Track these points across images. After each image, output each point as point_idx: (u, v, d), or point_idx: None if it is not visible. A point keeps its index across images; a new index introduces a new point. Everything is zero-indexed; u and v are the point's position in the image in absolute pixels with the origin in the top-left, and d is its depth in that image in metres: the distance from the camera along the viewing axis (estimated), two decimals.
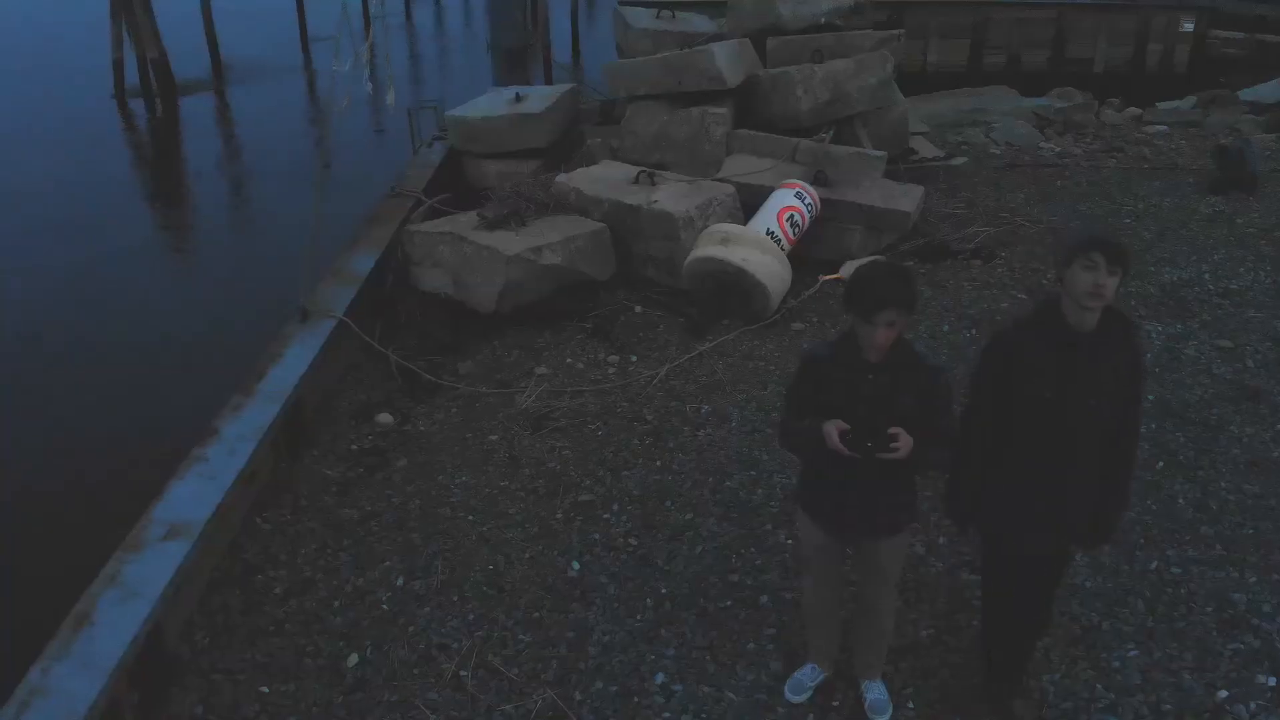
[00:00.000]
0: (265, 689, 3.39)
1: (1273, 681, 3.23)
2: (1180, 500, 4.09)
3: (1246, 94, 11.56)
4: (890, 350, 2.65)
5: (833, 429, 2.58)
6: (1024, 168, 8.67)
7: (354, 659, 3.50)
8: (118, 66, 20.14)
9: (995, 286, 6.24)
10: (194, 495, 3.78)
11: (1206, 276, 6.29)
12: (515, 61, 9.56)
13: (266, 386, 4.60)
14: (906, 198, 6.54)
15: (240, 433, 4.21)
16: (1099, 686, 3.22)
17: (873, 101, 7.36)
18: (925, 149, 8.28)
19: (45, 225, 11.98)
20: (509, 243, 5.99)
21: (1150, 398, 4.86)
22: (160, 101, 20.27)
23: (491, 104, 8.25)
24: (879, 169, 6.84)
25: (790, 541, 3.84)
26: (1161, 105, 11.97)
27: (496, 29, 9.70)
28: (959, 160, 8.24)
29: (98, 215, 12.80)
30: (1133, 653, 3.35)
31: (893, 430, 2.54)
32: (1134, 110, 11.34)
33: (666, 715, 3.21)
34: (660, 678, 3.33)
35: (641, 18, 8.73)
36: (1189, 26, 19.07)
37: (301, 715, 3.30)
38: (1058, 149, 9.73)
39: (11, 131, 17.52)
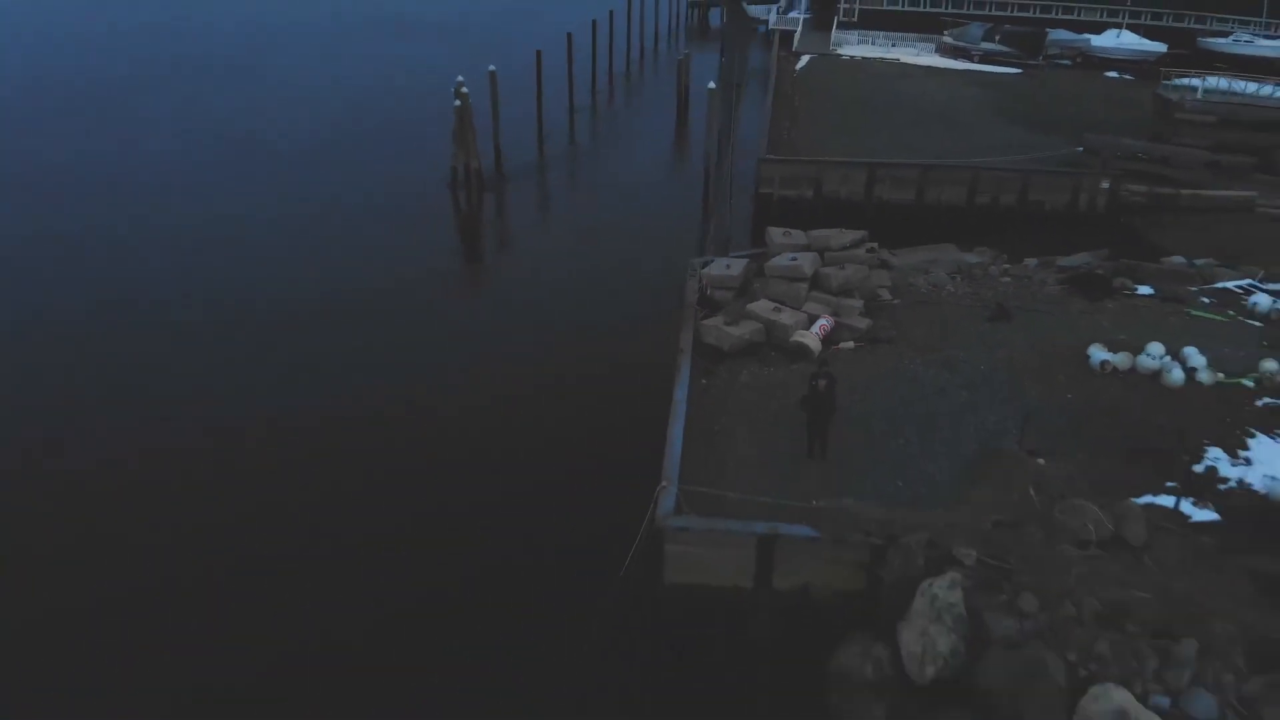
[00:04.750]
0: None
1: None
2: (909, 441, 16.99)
3: (1063, 261, 23.89)
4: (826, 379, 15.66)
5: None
6: (925, 303, 21.44)
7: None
8: (454, 171, 34.48)
9: (892, 357, 19.11)
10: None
11: (961, 355, 19.03)
12: (722, 238, 22.79)
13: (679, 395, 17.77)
14: (864, 322, 19.54)
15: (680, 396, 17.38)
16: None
17: (861, 283, 20.38)
18: (885, 295, 21.17)
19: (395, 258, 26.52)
20: (734, 329, 19.21)
21: (914, 400, 17.75)
22: (470, 194, 34.58)
23: (718, 267, 21.47)
24: (859, 310, 19.85)
25: None
26: (1026, 261, 24.38)
27: (713, 235, 22.98)
28: (897, 301, 21.10)
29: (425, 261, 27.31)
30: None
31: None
32: (1006, 265, 23.83)
33: None
34: None
35: (775, 235, 21.88)
36: (1106, 185, 31.10)
37: None
38: (954, 289, 22.44)
39: (377, 203, 32.32)
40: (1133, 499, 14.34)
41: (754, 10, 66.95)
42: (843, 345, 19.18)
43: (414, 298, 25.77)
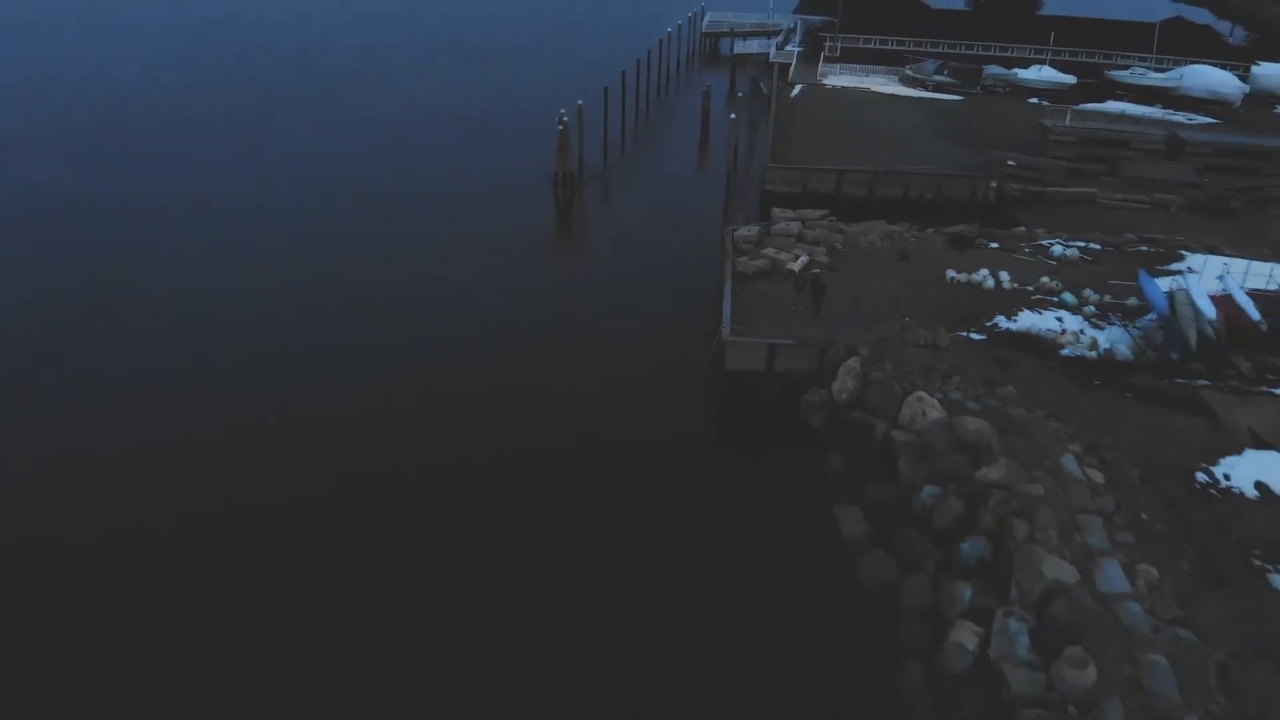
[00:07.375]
0: None
1: None
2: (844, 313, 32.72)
3: (947, 229, 39.47)
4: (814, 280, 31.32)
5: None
6: (861, 252, 37.12)
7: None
8: (556, 175, 50.25)
9: (839, 277, 34.75)
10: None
11: (877, 278, 34.65)
12: (749, 214, 38.43)
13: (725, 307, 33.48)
14: (826, 260, 35.32)
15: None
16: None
17: (825, 239, 36.17)
18: (839, 246, 36.87)
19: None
20: (754, 263, 34.97)
21: (848, 296, 33.48)
22: (567, 189, 50.31)
23: (742, 231, 37.13)
24: (824, 253, 35.63)
25: None
26: (927, 229, 39.96)
27: (738, 214, 38.66)
28: (846, 250, 36.78)
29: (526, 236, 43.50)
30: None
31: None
32: (914, 232, 39.42)
33: None
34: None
35: (776, 213, 37.52)
36: (994, 185, 46.73)
37: None
38: (880, 245, 38.12)
39: (507, 194, 48.16)
40: (945, 330, 30.12)
41: (750, 45, 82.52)
42: (813, 270, 34.86)
43: (537, 248, 41.97)
